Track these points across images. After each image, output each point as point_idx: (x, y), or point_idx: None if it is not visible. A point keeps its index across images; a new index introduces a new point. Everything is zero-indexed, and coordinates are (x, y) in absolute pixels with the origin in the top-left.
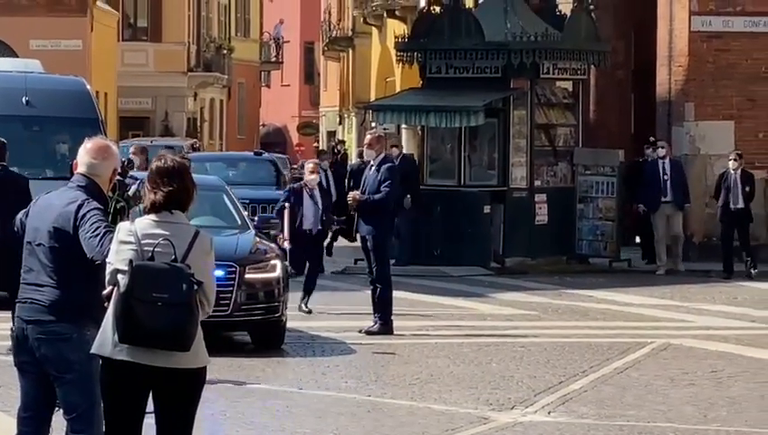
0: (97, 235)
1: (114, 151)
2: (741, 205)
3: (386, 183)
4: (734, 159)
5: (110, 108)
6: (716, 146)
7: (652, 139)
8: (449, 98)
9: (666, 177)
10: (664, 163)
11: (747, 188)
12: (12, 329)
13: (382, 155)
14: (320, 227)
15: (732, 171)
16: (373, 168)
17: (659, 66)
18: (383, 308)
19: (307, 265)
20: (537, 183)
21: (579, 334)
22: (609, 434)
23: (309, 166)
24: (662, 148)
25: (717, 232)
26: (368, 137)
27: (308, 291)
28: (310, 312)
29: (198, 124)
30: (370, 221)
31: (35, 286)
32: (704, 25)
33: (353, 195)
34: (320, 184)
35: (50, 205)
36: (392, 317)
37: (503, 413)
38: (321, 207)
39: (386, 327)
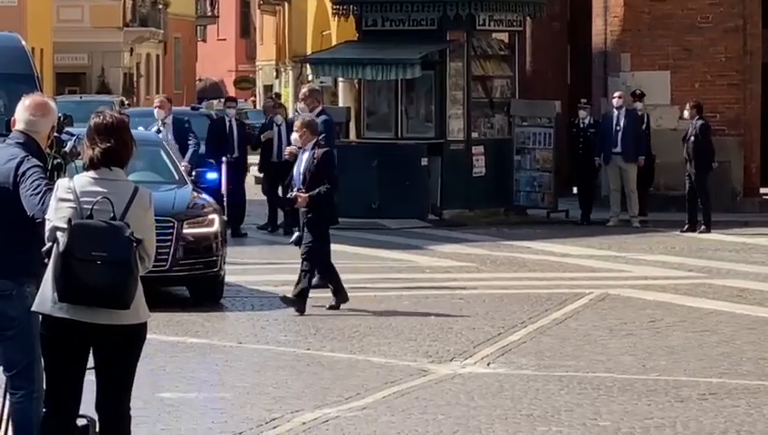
0: (38, 192)
1: (53, 108)
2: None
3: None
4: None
5: (46, 64)
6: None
7: (584, 100)
8: (386, 51)
9: (618, 127)
10: (619, 114)
11: (701, 138)
12: None
13: (318, 108)
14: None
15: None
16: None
17: (595, 17)
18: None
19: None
20: (474, 135)
21: (517, 286)
22: (548, 385)
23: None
24: (584, 109)
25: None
26: (302, 90)
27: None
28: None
29: (135, 80)
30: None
31: None
32: None
33: (289, 149)
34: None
35: None
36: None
37: (442, 365)
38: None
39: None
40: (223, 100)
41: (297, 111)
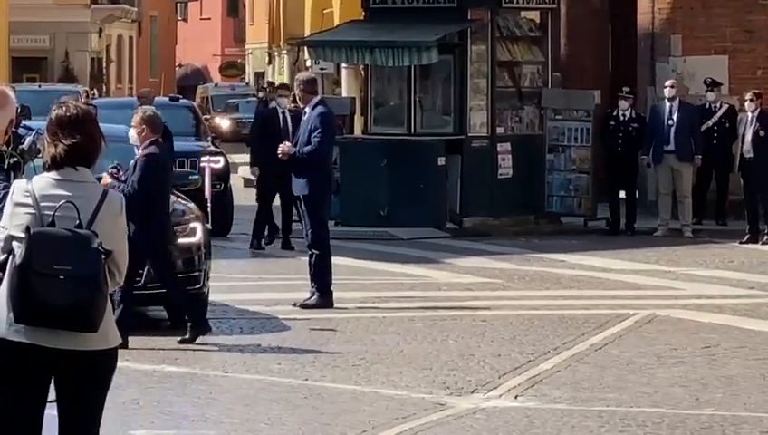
0: None
1: (12, 98)
2: (752, 154)
3: (315, 132)
4: (751, 99)
5: (1, 47)
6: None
7: (626, 89)
8: (397, 32)
9: (670, 122)
10: (671, 106)
11: (762, 133)
12: None
13: (314, 100)
14: None
15: (749, 113)
16: (305, 115)
17: None
18: (320, 277)
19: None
20: (500, 130)
21: (550, 306)
22: (585, 421)
23: None
24: (625, 100)
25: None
26: (298, 78)
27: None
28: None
29: (104, 65)
30: (302, 178)
31: None
32: None
33: (283, 147)
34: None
35: None
36: (332, 288)
37: (462, 398)
38: None
39: (324, 299)
40: (212, 84)
41: (295, 102)
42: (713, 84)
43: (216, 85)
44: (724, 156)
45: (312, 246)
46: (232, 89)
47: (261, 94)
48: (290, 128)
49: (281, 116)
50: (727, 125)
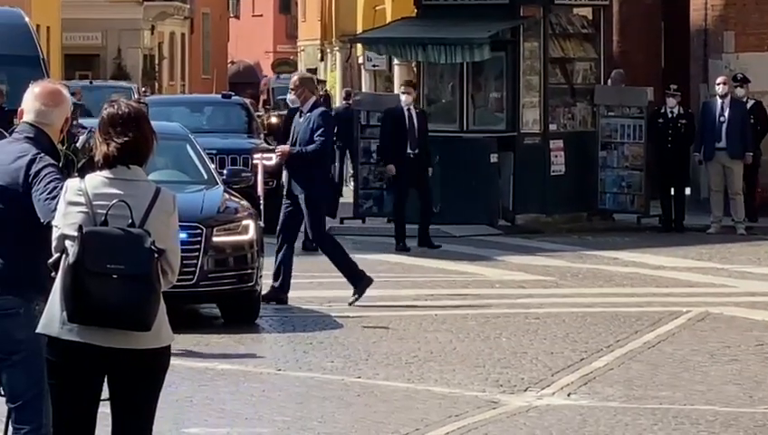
0: (54, 196)
1: (67, 97)
2: None
3: (319, 131)
4: None
5: (53, 44)
6: (762, 82)
7: (673, 87)
8: (449, 29)
9: (722, 119)
10: (723, 103)
11: None
12: None
13: (312, 100)
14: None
15: None
16: (303, 114)
17: None
18: (344, 268)
19: None
20: (552, 127)
21: (602, 303)
22: (638, 419)
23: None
24: (673, 97)
25: None
26: (292, 79)
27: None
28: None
29: (156, 62)
30: (301, 177)
31: None
32: None
33: (281, 148)
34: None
35: None
36: (359, 268)
37: (515, 396)
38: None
39: (361, 284)
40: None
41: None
42: (743, 81)
43: (278, 77)
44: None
45: (317, 244)
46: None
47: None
48: (416, 124)
49: (406, 113)
50: (752, 120)
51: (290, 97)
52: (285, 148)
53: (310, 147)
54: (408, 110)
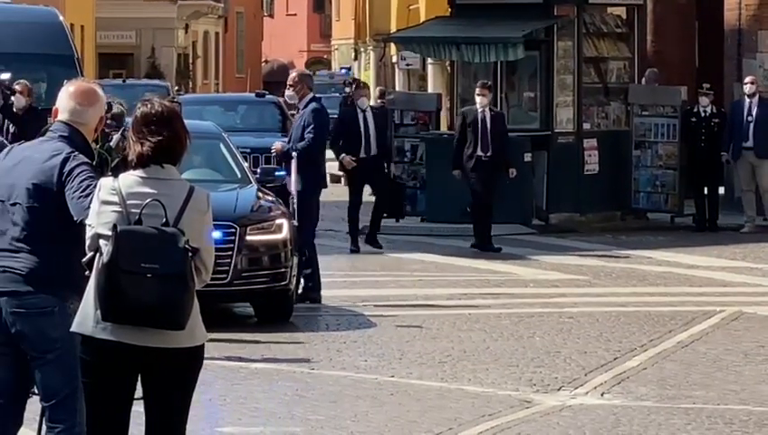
0: (87, 194)
1: (102, 96)
2: None
3: (309, 128)
4: None
5: (88, 43)
6: None
7: (706, 86)
8: (483, 28)
9: (750, 118)
10: (751, 102)
11: None
12: None
13: (308, 97)
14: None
15: None
16: (298, 111)
17: None
18: (310, 274)
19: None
20: (586, 126)
21: (636, 303)
22: (672, 419)
23: None
24: (706, 96)
25: None
26: (290, 75)
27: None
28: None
29: (190, 61)
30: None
31: (9, 252)
32: None
33: (276, 145)
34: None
35: (27, 158)
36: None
37: (548, 395)
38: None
39: (314, 295)
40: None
41: (286, 99)
42: (706, 91)
43: (314, 74)
44: None
45: (302, 241)
46: (330, 77)
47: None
48: (489, 124)
49: (480, 114)
50: None
51: (288, 93)
52: (278, 145)
53: (300, 144)
54: (483, 112)
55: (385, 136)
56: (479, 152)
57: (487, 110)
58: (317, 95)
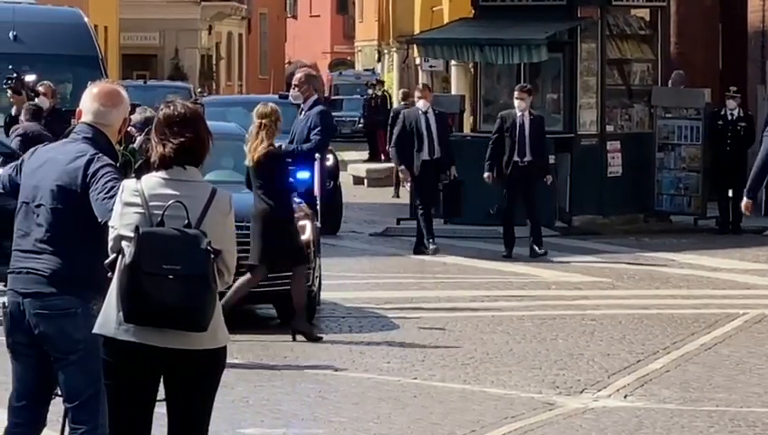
0: (111, 195)
1: (125, 97)
2: None
3: (315, 130)
4: None
5: (111, 44)
6: None
7: (733, 88)
8: (506, 30)
9: None
10: None
11: None
12: (4, 304)
13: (314, 98)
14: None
15: None
16: (303, 112)
17: None
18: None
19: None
20: (609, 128)
21: (659, 305)
22: (695, 421)
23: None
24: (733, 99)
25: None
26: (296, 75)
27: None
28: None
29: (214, 63)
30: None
31: (33, 254)
32: None
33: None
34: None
35: (51, 160)
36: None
37: (571, 398)
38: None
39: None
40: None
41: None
42: (733, 94)
43: (340, 74)
44: None
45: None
46: (357, 78)
47: (370, 92)
48: (527, 129)
49: (520, 119)
50: None
51: (293, 93)
52: (281, 144)
53: (305, 145)
54: (522, 116)
55: (447, 138)
56: (516, 157)
57: (527, 114)
58: (339, 96)
